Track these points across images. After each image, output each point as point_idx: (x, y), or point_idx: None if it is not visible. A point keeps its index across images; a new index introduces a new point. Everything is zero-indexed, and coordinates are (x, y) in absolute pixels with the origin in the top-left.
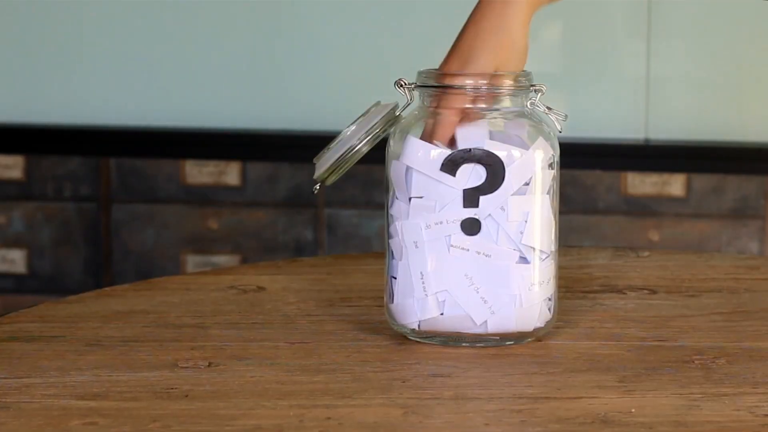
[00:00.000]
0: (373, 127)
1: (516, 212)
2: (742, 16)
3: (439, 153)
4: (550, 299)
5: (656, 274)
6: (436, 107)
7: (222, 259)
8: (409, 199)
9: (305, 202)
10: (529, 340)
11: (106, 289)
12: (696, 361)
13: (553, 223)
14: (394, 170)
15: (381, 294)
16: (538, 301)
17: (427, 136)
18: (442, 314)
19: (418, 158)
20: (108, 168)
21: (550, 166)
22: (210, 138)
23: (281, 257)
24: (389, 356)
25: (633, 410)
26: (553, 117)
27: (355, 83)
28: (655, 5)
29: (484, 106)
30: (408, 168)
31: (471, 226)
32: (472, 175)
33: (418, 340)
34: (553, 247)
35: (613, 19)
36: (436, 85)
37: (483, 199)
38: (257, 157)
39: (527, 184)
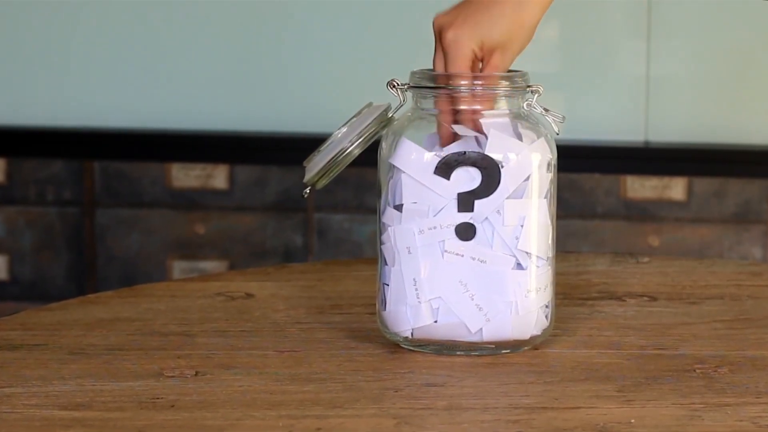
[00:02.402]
0: (365, 128)
1: (512, 217)
2: (745, 16)
3: (433, 156)
4: (547, 306)
5: (656, 280)
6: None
7: (209, 265)
8: (400, 205)
9: (295, 207)
10: (526, 348)
11: (90, 296)
12: (697, 370)
13: (551, 227)
14: (386, 176)
15: (373, 301)
16: (534, 308)
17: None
18: (435, 322)
19: (411, 161)
20: (92, 171)
21: (548, 169)
22: (197, 140)
23: (270, 263)
24: (381, 365)
25: (632, 421)
26: (550, 119)
27: (346, 84)
28: (656, 4)
29: (479, 107)
30: (400, 171)
31: (465, 231)
32: (467, 178)
33: (411, 348)
34: (550, 253)
35: (612, 18)
36: (430, 86)
37: (478, 203)
38: (245, 159)
39: (523, 187)
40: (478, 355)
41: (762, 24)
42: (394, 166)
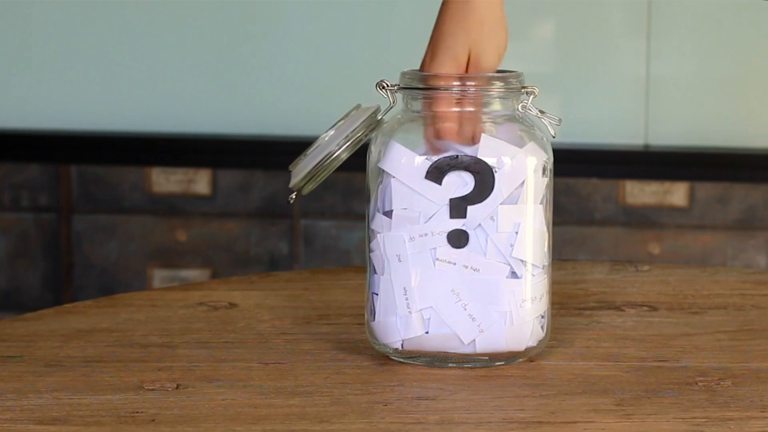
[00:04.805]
0: (353, 132)
1: (506, 223)
2: (748, 14)
3: (424, 160)
4: (542, 317)
5: (657, 289)
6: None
7: (191, 274)
8: (390, 211)
9: (280, 213)
10: (521, 360)
11: (67, 305)
12: (699, 383)
13: (546, 234)
14: (375, 181)
15: (361, 311)
16: (529, 318)
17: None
18: (427, 333)
19: (401, 165)
20: (68, 176)
21: (543, 173)
22: (178, 144)
23: (254, 271)
24: (370, 378)
25: None
26: (546, 121)
27: (334, 85)
28: (656, 2)
29: (472, 109)
30: (389, 176)
31: (458, 239)
32: (459, 183)
33: (401, 360)
34: (546, 261)
35: (610, 16)
36: (421, 87)
37: (471, 209)
38: (228, 164)
39: (518, 193)
40: (471, 368)
41: (764, 24)
42: (383, 170)
